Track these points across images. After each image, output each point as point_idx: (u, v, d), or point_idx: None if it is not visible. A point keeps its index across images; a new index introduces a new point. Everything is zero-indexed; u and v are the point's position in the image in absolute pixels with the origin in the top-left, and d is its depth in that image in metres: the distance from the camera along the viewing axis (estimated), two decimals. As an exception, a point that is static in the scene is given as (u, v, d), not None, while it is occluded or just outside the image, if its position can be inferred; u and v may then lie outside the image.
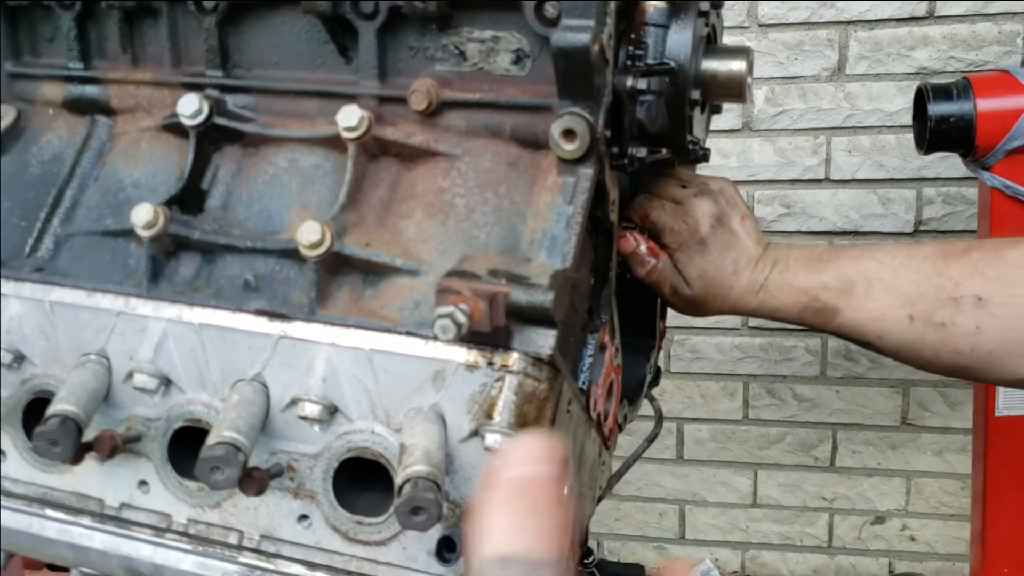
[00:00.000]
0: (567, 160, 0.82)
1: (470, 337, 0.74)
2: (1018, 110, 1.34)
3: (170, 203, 0.90)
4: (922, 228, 2.22)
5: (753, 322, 2.36)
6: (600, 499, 1.03)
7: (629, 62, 0.87)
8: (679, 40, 0.88)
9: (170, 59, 0.97)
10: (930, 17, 2.09)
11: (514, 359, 0.77)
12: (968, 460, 2.39)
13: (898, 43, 2.11)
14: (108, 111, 1.01)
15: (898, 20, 2.10)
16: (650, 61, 0.87)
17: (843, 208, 2.24)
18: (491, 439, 0.77)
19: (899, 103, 2.15)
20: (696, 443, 2.53)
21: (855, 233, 2.25)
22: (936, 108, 1.35)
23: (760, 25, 2.15)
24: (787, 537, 2.57)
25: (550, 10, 0.80)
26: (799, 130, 2.20)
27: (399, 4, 0.85)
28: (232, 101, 0.95)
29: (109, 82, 0.99)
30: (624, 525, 2.64)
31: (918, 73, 2.12)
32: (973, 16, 2.08)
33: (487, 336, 0.76)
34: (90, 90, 1.00)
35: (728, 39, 2.19)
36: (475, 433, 0.78)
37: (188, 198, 0.92)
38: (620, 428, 1.06)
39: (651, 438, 1.22)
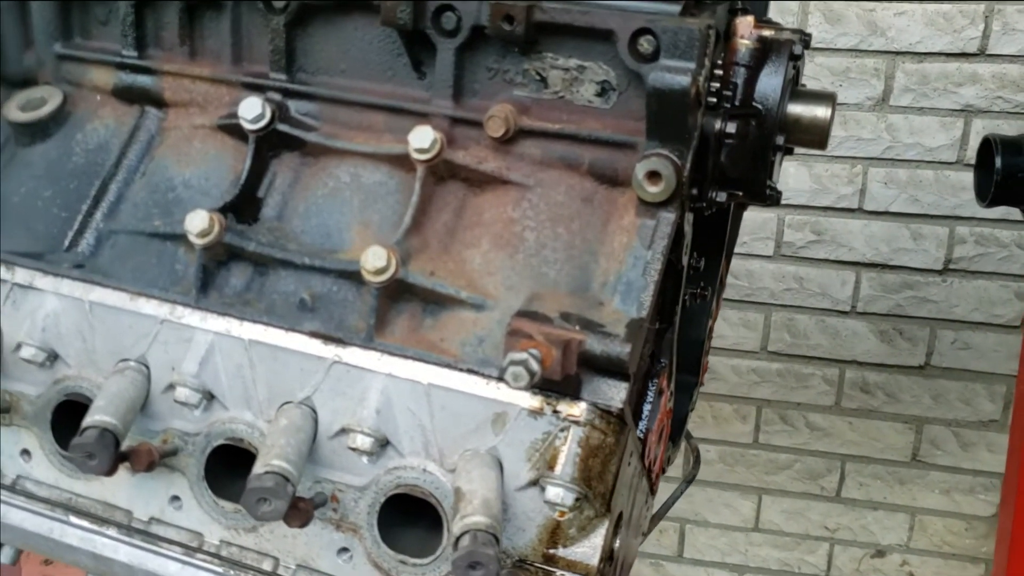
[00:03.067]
0: (648, 202, 0.78)
1: (536, 382, 0.71)
2: (1090, 169, 1.31)
3: (225, 210, 0.86)
4: (951, 267, 2.19)
5: (772, 346, 2.33)
6: (641, 541, 1.00)
7: (715, 100, 0.84)
8: (770, 83, 0.84)
9: (231, 56, 0.93)
10: (981, 54, 2.05)
11: (581, 409, 0.74)
12: (976, 502, 2.37)
13: (946, 78, 2.08)
14: (160, 103, 0.97)
15: (948, 55, 2.06)
16: (737, 103, 0.83)
17: (874, 240, 2.21)
18: (552, 492, 0.74)
19: (941, 139, 2.11)
20: (704, 463, 2.49)
21: (883, 266, 2.21)
22: (1005, 160, 1.31)
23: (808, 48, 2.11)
24: (786, 564, 2.55)
25: (645, 45, 0.76)
26: (837, 158, 2.16)
27: (483, 24, 0.81)
28: (295, 107, 0.91)
29: (163, 73, 0.95)
30: (622, 538, 2.61)
31: (963, 111, 2.08)
32: (1024, 57, 2.05)
33: (555, 383, 0.73)
34: (142, 80, 0.96)
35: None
36: (534, 483, 0.75)
37: (243, 206, 0.88)
38: (663, 471, 1.03)
39: (689, 479, 1.19)
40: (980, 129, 2.11)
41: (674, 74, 0.73)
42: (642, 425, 0.86)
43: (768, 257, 2.27)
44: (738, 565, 2.59)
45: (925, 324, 2.25)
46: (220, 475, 0.86)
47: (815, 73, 2.13)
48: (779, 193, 0.94)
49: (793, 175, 2.20)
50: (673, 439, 1.09)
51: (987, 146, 1.37)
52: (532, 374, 0.69)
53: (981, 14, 2.05)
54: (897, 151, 2.16)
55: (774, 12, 2.07)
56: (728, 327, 2.35)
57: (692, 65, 0.73)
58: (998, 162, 1.32)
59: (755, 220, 2.25)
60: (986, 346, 2.24)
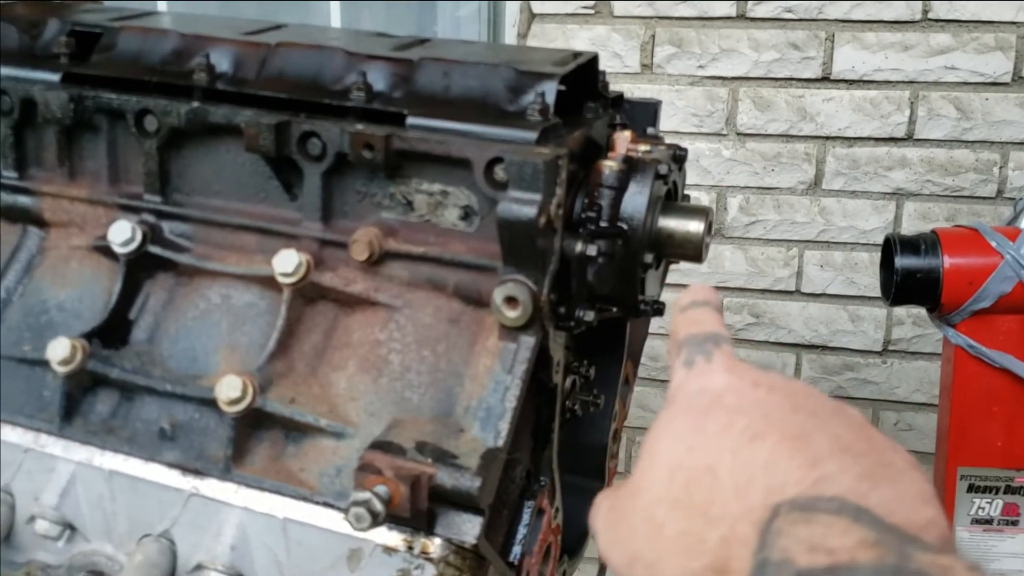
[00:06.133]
0: (509, 326, 0.78)
1: (390, 517, 0.70)
2: (986, 270, 1.31)
3: (91, 336, 0.85)
4: (891, 348, 2.19)
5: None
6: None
7: (582, 216, 0.84)
8: (634, 203, 0.84)
9: (108, 176, 0.93)
10: (909, 139, 2.08)
11: (435, 546, 0.72)
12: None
13: (876, 162, 2.11)
14: (40, 223, 0.96)
15: (877, 139, 2.09)
16: (603, 223, 0.83)
17: (812, 322, 2.21)
18: (404, 632, 0.72)
19: (874, 222, 2.13)
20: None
21: (823, 348, 2.22)
22: (903, 261, 1.32)
23: (738, 134, 2.14)
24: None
25: (499, 174, 0.76)
26: (772, 241, 2.18)
27: (346, 151, 0.81)
28: (168, 228, 0.90)
29: (42, 194, 0.95)
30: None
31: (895, 193, 2.11)
32: (952, 141, 2.07)
33: (407, 519, 0.71)
34: (23, 200, 0.96)
35: (705, 145, 2.18)
36: (389, 621, 0.73)
37: (111, 330, 0.87)
38: (557, 586, 1.01)
39: (592, 590, 1.16)
40: (912, 212, 2.14)
41: (521, 205, 0.73)
42: (516, 550, 0.84)
43: (709, 340, 2.27)
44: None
45: (867, 405, 2.25)
46: (84, 608, 0.84)
47: (747, 159, 2.16)
48: (661, 305, 0.93)
49: (729, 258, 2.21)
50: (572, 552, 1.07)
51: (888, 245, 1.38)
52: (375, 515, 0.67)
53: (907, 100, 2.08)
54: (832, 234, 2.18)
55: (703, 97, 2.11)
56: (672, 410, 2.34)
57: (538, 196, 0.73)
58: (897, 262, 1.32)
59: (694, 303, 2.25)
60: (929, 427, 2.24)
